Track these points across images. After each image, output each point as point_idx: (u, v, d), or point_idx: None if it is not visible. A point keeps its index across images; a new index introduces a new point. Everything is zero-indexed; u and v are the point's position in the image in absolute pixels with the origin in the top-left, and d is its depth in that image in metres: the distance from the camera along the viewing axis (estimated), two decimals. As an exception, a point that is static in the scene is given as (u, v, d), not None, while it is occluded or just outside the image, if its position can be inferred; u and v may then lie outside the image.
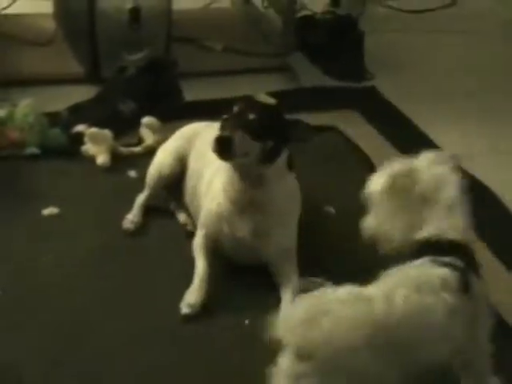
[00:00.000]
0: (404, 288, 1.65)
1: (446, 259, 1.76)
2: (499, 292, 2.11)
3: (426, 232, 1.83)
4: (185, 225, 2.47)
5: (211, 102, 3.08)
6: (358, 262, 2.32)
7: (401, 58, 3.70)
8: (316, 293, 1.65)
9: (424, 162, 1.88)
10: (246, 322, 2.14)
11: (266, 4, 3.93)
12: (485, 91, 3.48)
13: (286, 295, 2.18)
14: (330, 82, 3.45)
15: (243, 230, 2.22)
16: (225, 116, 2.13)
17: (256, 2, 3.98)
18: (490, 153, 3.00)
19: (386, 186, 1.84)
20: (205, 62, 3.47)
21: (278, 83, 3.38)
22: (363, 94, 3.38)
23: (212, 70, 3.42)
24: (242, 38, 3.69)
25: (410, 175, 1.85)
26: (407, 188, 1.84)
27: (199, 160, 2.44)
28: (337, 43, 3.55)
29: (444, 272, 1.71)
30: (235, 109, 2.13)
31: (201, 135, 2.50)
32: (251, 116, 2.10)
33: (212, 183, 2.31)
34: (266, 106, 2.17)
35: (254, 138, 2.09)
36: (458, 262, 1.75)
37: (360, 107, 3.24)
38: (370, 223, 1.88)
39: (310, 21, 3.68)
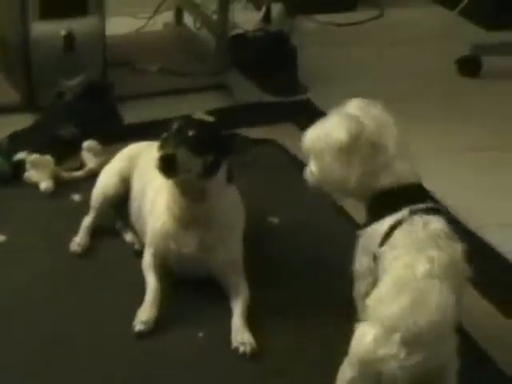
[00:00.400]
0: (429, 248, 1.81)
1: (422, 206, 1.90)
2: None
3: (387, 179, 1.93)
4: (132, 244, 2.49)
5: (150, 122, 3.12)
6: (303, 270, 2.37)
7: (333, 69, 3.78)
8: None
9: (356, 108, 1.99)
10: (200, 334, 2.17)
11: (198, 25, 3.99)
12: (416, 96, 3.58)
13: (237, 306, 2.22)
14: (265, 97, 3.51)
15: (189, 245, 2.26)
16: (164, 134, 2.17)
17: (188, 23, 4.04)
18: (438, 153, 3.08)
19: (346, 136, 1.92)
20: (141, 84, 3.51)
21: (215, 101, 3.42)
22: (298, 107, 3.44)
23: (149, 92, 3.45)
24: (177, 59, 3.73)
25: (358, 122, 1.93)
26: (359, 136, 1.93)
27: (142, 179, 2.47)
28: (270, 59, 3.61)
29: (440, 223, 1.88)
30: (174, 127, 2.17)
31: (143, 155, 2.53)
32: (190, 133, 2.14)
33: (156, 202, 2.34)
34: (203, 123, 2.22)
35: (195, 153, 2.13)
36: (436, 206, 1.92)
37: (296, 120, 3.30)
38: (314, 172, 1.98)
39: (242, 39, 3.74)
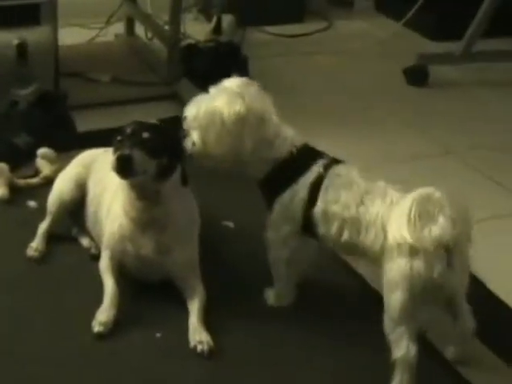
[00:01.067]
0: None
1: (326, 160, 2.17)
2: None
3: (284, 147, 2.17)
4: (88, 249, 2.52)
5: (103, 131, 3.13)
6: (258, 274, 2.41)
7: (283, 80, 3.84)
8: None
9: (237, 86, 2.19)
10: (158, 335, 2.21)
11: (149, 35, 4.03)
12: (366, 106, 3.66)
13: (194, 306, 2.26)
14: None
15: (146, 247, 2.29)
16: (118, 137, 2.20)
17: (140, 33, 4.08)
18: (385, 162, 3.15)
19: (239, 111, 2.12)
20: (94, 93, 3.53)
21: (168, 110, 3.46)
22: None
23: (101, 101, 3.47)
24: (129, 69, 3.77)
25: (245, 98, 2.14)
26: (248, 110, 2.13)
27: (98, 185, 2.50)
28: (222, 69, 3.65)
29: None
30: (128, 130, 2.21)
31: (98, 161, 2.56)
32: (145, 135, 2.18)
33: (112, 205, 2.37)
34: (157, 126, 2.27)
35: (150, 155, 2.17)
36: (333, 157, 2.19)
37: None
38: (197, 143, 2.16)
39: (194, 49, 3.78)
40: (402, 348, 1.98)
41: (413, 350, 1.98)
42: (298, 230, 2.20)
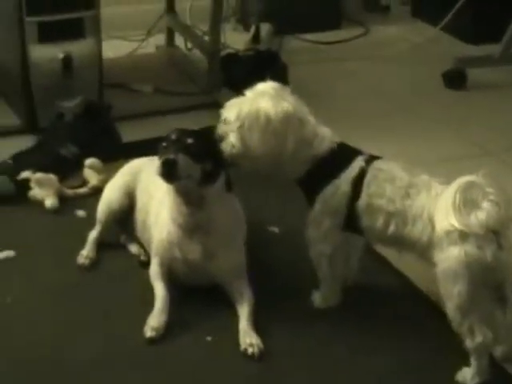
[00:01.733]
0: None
1: (366, 156, 2.23)
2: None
3: (323, 144, 2.23)
4: (138, 256, 2.58)
5: (147, 141, 3.18)
6: (303, 279, 2.45)
7: (322, 86, 3.88)
8: None
9: (274, 90, 2.28)
10: (208, 338, 2.26)
11: (189, 46, 4.09)
12: (404, 110, 3.69)
13: (243, 310, 2.30)
14: (258, 114, 3.60)
15: (194, 252, 2.34)
16: (163, 144, 2.26)
17: (180, 44, 4.14)
18: (424, 164, 3.15)
19: (282, 112, 2.17)
20: (137, 104, 3.60)
21: (209, 119, 3.50)
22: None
23: (144, 112, 3.54)
24: (170, 79, 3.83)
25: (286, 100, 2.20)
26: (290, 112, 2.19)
27: (144, 194, 2.56)
28: (261, 77, 3.69)
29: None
30: (172, 136, 2.27)
31: (145, 170, 2.62)
32: (189, 140, 2.24)
33: (159, 213, 2.42)
34: (200, 132, 2.34)
35: (195, 160, 2.23)
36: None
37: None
38: (236, 144, 2.19)
39: (233, 58, 3.84)
40: (478, 335, 2.01)
41: (489, 334, 2.02)
42: (340, 224, 2.24)
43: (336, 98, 3.76)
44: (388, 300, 2.42)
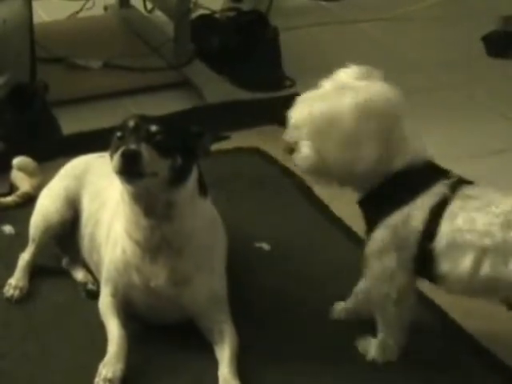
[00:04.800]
0: None
1: (448, 181, 2.16)
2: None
3: (403, 161, 2.15)
4: (84, 284, 2.56)
5: (95, 132, 3.19)
6: (297, 304, 2.47)
7: (325, 55, 3.88)
8: None
9: (356, 78, 2.18)
10: (178, 391, 2.25)
11: (149, 6, 4.08)
12: (431, 86, 3.72)
13: (223, 353, 2.29)
14: (241, 94, 3.60)
15: (158, 278, 2.32)
16: (118, 133, 2.22)
17: (137, 4, 4.13)
18: (459, 157, 3.16)
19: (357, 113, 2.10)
20: (81, 84, 3.60)
21: (177, 102, 3.50)
22: (284, 105, 3.52)
23: (91, 94, 3.54)
24: (125, 51, 3.84)
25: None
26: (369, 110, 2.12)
27: (94, 201, 2.55)
28: (245, 46, 3.70)
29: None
30: (130, 123, 2.22)
31: (92, 170, 2.61)
32: (153, 128, 2.21)
33: (112, 228, 2.41)
34: (164, 118, 2.32)
35: (161, 153, 2.19)
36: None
37: (281, 121, 3.37)
38: (310, 155, 2.14)
39: (208, 21, 3.83)
40: None
41: None
42: (408, 265, 2.20)
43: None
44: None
